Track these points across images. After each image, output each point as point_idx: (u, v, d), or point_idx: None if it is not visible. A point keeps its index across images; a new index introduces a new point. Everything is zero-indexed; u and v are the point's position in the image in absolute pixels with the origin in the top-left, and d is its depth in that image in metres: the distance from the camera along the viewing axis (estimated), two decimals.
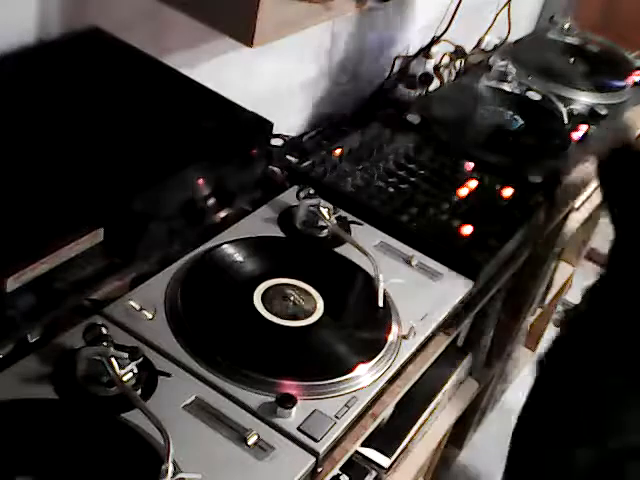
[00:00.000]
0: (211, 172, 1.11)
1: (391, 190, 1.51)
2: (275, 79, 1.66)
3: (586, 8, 2.25)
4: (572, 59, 2.31)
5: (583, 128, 1.97)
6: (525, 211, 1.56)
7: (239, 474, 0.95)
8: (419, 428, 1.57)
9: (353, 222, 1.41)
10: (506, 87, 2.05)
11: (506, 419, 1.85)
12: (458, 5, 2.14)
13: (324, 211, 1.34)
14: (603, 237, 3.26)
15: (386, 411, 1.22)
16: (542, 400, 1.68)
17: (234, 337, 1.13)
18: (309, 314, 1.18)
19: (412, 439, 1.54)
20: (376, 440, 1.39)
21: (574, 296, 3.17)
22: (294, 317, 1.17)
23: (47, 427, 0.94)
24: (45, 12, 1.13)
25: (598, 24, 2.20)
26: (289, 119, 1.70)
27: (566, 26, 2.42)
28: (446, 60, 2.12)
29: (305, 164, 1.52)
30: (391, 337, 1.19)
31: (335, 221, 1.35)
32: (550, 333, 3.04)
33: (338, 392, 1.08)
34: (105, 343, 0.98)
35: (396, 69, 2.04)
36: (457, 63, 2.14)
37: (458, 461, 2.50)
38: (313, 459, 1.00)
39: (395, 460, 1.46)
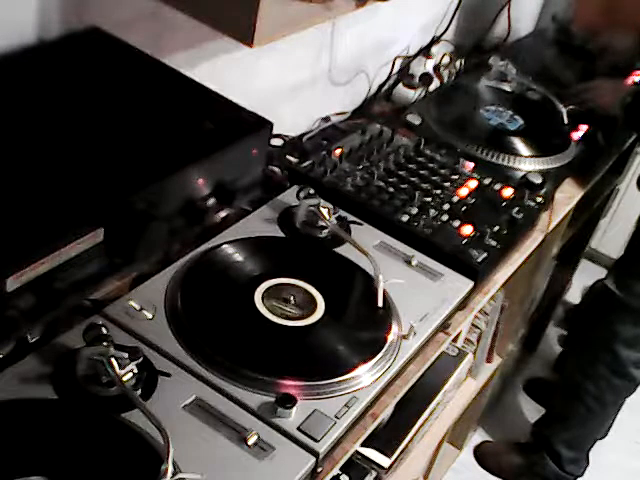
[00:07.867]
0: (211, 172, 1.11)
1: (391, 190, 1.51)
2: (275, 79, 1.66)
3: (586, 7, 2.25)
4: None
5: (583, 128, 1.98)
6: (525, 211, 1.56)
7: (239, 474, 0.95)
8: (419, 428, 1.57)
9: (353, 222, 1.41)
10: (506, 87, 2.06)
11: None
12: (458, 5, 2.14)
13: (324, 211, 1.34)
14: (604, 237, 3.28)
15: (386, 411, 1.22)
16: None
17: (234, 337, 1.12)
18: (309, 314, 1.18)
19: (412, 439, 1.54)
20: (376, 440, 1.40)
21: (574, 296, 3.18)
22: (294, 317, 1.17)
23: (47, 427, 0.94)
24: (45, 12, 1.13)
25: (598, 24, 2.20)
26: (289, 119, 1.70)
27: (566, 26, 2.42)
28: (446, 60, 2.12)
29: (305, 164, 1.52)
30: (391, 337, 1.19)
31: (335, 221, 1.35)
32: (550, 332, 3.05)
33: (338, 392, 1.08)
34: (105, 343, 0.98)
35: (396, 69, 2.04)
36: (457, 63, 2.14)
37: (458, 461, 2.50)
38: (313, 459, 0.99)
39: (395, 460, 1.47)
